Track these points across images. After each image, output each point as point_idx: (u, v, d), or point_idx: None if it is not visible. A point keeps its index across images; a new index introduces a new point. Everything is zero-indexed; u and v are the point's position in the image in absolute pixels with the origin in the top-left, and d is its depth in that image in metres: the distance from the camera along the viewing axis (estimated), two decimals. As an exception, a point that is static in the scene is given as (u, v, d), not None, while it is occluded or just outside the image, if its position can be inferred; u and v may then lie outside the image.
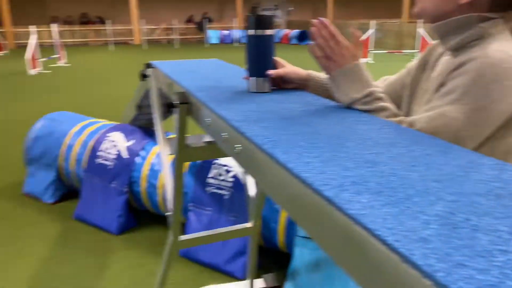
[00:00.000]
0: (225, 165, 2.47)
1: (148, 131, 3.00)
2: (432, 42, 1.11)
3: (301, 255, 2.05)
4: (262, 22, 1.12)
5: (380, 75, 1.30)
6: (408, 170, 0.61)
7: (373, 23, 12.51)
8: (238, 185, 2.36)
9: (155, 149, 2.82)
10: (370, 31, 12.02)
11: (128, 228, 2.80)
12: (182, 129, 1.26)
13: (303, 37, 18.70)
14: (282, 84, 1.22)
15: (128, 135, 2.93)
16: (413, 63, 1.10)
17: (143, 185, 2.75)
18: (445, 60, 0.96)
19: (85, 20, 20.74)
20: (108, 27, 18.42)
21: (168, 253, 1.59)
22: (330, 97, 1.09)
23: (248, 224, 1.74)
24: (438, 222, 0.46)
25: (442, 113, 0.85)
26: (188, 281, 2.25)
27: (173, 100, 1.24)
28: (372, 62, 11.71)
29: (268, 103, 1.03)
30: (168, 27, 20.79)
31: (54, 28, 11.52)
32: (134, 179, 2.78)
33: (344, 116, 0.92)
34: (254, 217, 1.73)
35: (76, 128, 3.21)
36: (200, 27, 21.32)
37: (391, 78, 1.17)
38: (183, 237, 1.61)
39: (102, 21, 20.19)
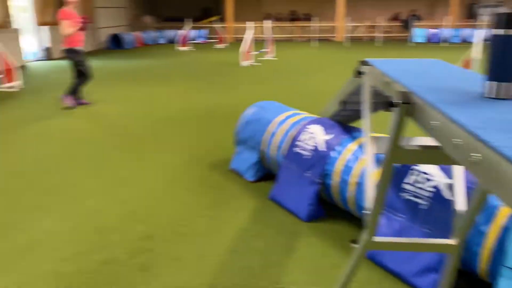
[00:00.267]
0: (425, 173, 2.31)
1: (346, 128, 3.03)
2: None
3: (509, 289, 1.77)
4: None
5: None
6: None
7: None
8: (439, 197, 2.18)
9: (352, 146, 2.83)
10: None
11: (316, 218, 2.91)
12: (399, 129, 1.22)
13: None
14: None
15: (327, 128, 3.02)
16: None
17: (335, 179, 2.80)
18: None
19: (293, 17, 22.17)
20: (313, 24, 19.26)
21: (360, 251, 1.59)
22: None
23: (451, 241, 1.60)
24: None
25: None
26: (372, 284, 2.21)
27: (392, 99, 1.22)
28: None
29: None
30: (372, 25, 20.48)
31: (268, 24, 12.66)
32: (327, 172, 2.86)
33: None
34: (459, 235, 1.57)
35: (280, 118, 3.48)
36: (406, 25, 20.32)
37: None
38: (378, 239, 1.58)
39: (308, 18, 21.23)
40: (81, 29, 6.13)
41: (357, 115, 2.92)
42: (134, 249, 2.57)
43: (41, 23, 12.83)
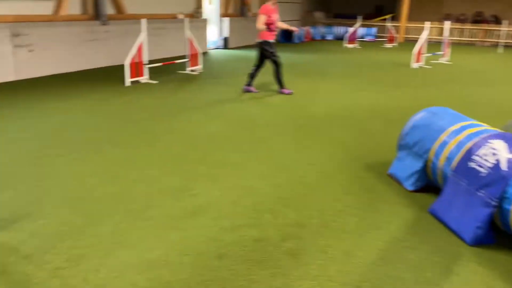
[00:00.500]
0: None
1: (539, 148, 2.61)
2: None
3: None
4: None
5: None
6: None
7: None
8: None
9: (543, 170, 2.42)
10: None
11: (484, 243, 2.58)
12: None
13: None
14: None
15: (512, 146, 2.64)
16: None
17: (516, 205, 2.44)
18: None
19: (478, 19, 19.81)
20: (503, 27, 16.89)
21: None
22: None
23: None
24: None
25: None
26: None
27: None
28: None
29: None
30: None
31: (447, 25, 11.59)
32: (507, 195, 2.49)
33: None
34: None
35: (455, 127, 3.16)
36: None
37: None
38: None
39: (497, 21, 18.73)
40: (269, 30, 6.43)
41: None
42: (285, 233, 2.67)
43: (224, 15, 14.15)
